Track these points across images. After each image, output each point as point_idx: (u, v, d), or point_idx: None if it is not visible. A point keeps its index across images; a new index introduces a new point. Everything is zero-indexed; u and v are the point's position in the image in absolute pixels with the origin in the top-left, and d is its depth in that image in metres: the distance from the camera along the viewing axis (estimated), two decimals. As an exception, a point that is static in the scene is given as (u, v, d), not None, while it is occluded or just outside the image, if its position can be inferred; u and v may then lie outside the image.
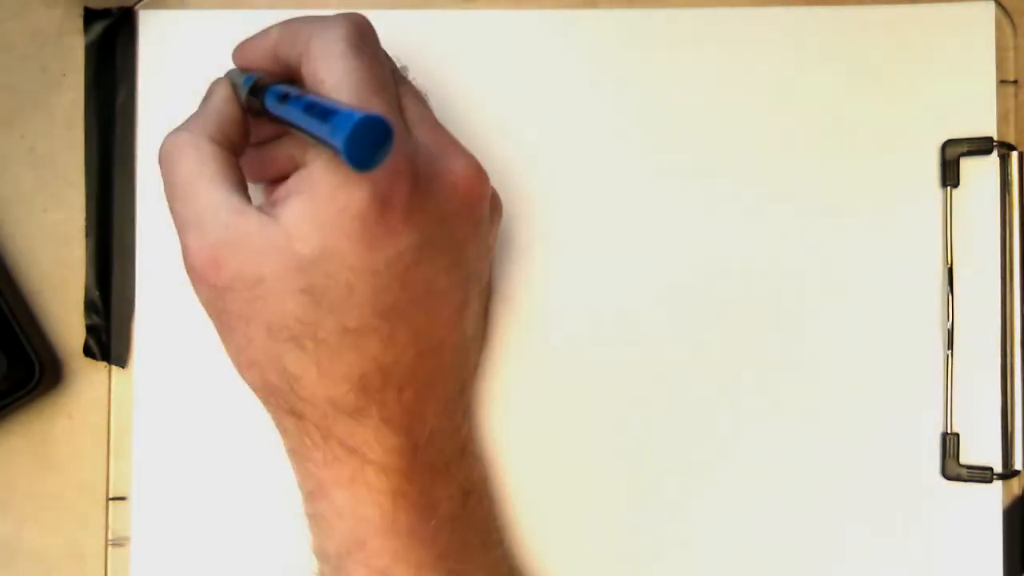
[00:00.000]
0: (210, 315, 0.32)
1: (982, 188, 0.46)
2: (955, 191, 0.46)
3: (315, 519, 0.33)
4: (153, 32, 0.46)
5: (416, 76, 0.43)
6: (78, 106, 0.47)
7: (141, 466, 0.45)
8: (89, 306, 0.46)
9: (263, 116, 0.32)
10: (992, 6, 0.46)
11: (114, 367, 0.46)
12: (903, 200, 0.46)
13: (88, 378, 0.46)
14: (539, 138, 0.46)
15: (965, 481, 0.45)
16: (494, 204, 0.34)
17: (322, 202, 0.28)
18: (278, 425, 0.33)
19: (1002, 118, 0.46)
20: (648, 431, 0.45)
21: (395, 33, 0.47)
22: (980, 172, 0.46)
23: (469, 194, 0.31)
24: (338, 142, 0.25)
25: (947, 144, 0.46)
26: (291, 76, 0.32)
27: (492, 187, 0.34)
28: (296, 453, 0.33)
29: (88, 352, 0.46)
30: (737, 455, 0.46)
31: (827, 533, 0.45)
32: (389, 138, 0.25)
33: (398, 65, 0.37)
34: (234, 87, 0.35)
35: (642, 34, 0.47)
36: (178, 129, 0.32)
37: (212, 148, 0.31)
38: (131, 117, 0.46)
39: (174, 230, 0.31)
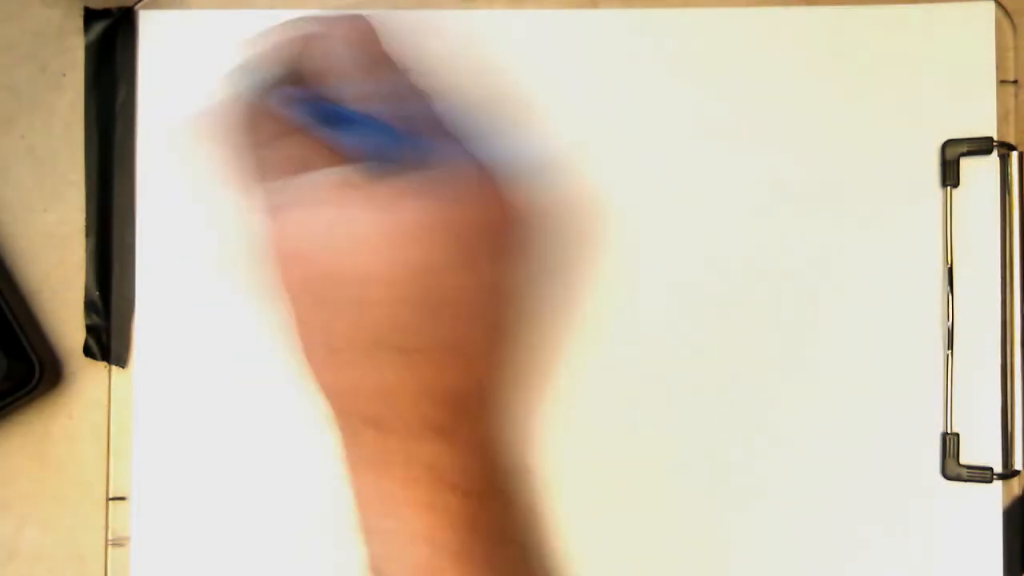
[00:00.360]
0: (289, 311, 0.30)
1: (982, 188, 0.46)
2: (955, 191, 0.46)
3: (379, 536, 0.32)
4: (153, 32, 0.46)
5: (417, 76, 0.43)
6: (78, 106, 0.47)
7: (141, 466, 0.45)
8: (89, 306, 0.46)
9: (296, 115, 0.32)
10: (992, 6, 0.46)
11: (114, 367, 0.46)
12: (903, 200, 0.46)
13: (88, 378, 0.46)
14: (537, 138, 0.46)
15: (965, 481, 0.45)
16: (520, 218, 0.33)
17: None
18: (350, 436, 0.32)
19: (1002, 118, 0.46)
20: (652, 431, 0.45)
21: (395, 33, 0.47)
22: (980, 172, 0.46)
23: (493, 209, 0.31)
24: (369, 149, 0.26)
25: (947, 144, 0.46)
26: (306, 78, 0.32)
27: (512, 200, 0.33)
28: (369, 467, 0.32)
29: (88, 352, 0.46)
30: (737, 455, 0.46)
31: (827, 533, 0.45)
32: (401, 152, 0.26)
33: (408, 66, 0.37)
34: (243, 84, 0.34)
35: (642, 34, 0.47)
36: (227, 101, 0.31)
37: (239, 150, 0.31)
38: (131, 117, 0.46)
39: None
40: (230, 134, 0.32)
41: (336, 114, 0.29)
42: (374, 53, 0.31)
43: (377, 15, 0.34)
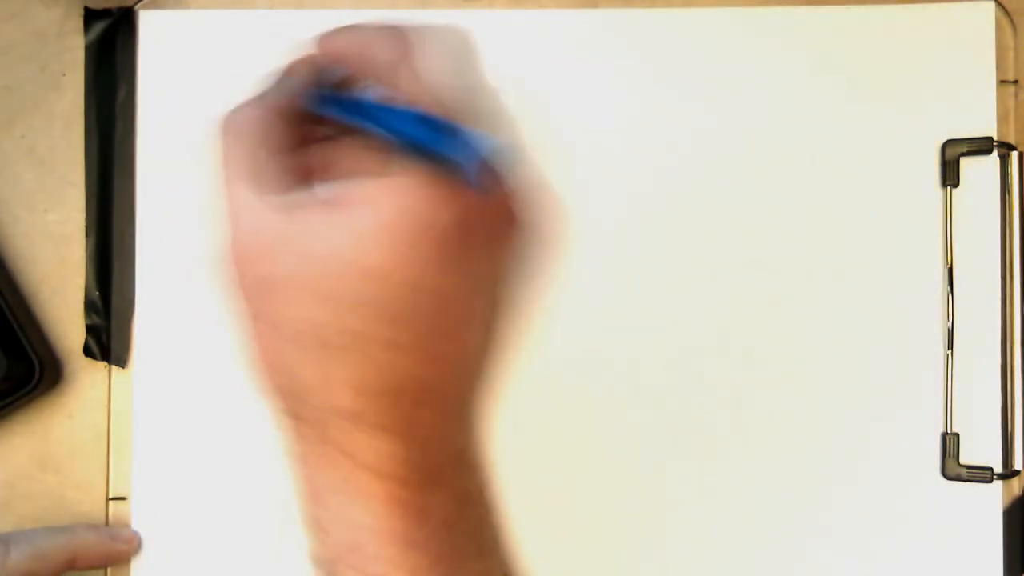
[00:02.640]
0: (238, 309, 0.32)
1: (982, 188, 0.46)
2: (955, 191, 0.46)
3: (310, 524, 0.33)
4: (153, 32, 0.46)
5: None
6: (78, 106, 0.47)
7: (141, 466, 0.45)
8: (89, 306, 0.46)
9: (328, 115, 0.32)
10: (992, 6, 0.46)
11: (114, 367, 0.46)
12: (903, 200, 0.46)
13: (88, 378, 0.46)
14: (538, 138, 0.46)
15: (965, 481, 0.45)
16: (510, 214, 0.34)
17: (397, 214, 0.28)
18: (278, 426, 0.33)
19: (1002, 118, 0.46)
20: (647, 432, 0.45)
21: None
22: (980, 172, 0.46)
23: (501, 219, 0.31)
24: (469, 161, 0.26)
25: (947, 144, 0.46)
26: (364, 77, 0.32)
27: (507, 197, 0.34)
28: (293, 456, 0.33)
29: (88, 352, 0.46)
30: (736, 455, 0.46)
31: (827, 532, 0.45)
32: (505, 163, 0.27)
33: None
34: (303, 94, 0.34)
35: (642, 34, 0.47)
36: (234, 114, 0.32)
37: (252, 150, 0.31)
38: (131, 117, 0.46)
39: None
40: (259, 137, 0.32)
41: (369, 108, 0.29)
42: (410, 65, 0.31)
43: (350, 17, 0.34)
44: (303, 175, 0.33)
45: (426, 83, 0.30)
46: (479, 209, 0.29)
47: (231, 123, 0.32)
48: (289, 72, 0.34)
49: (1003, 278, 0.46)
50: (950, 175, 0.46)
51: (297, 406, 0.31)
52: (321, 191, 0.30)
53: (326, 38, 0.33)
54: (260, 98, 0.33)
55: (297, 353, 0.30)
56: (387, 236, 0.28)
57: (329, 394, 0.30)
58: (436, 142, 0.28)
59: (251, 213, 0.30)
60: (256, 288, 0.30)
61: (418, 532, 0.31)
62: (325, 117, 0.33)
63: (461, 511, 0.33)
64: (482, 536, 0.34)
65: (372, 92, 0.31)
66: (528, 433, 0.44)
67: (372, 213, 0.29)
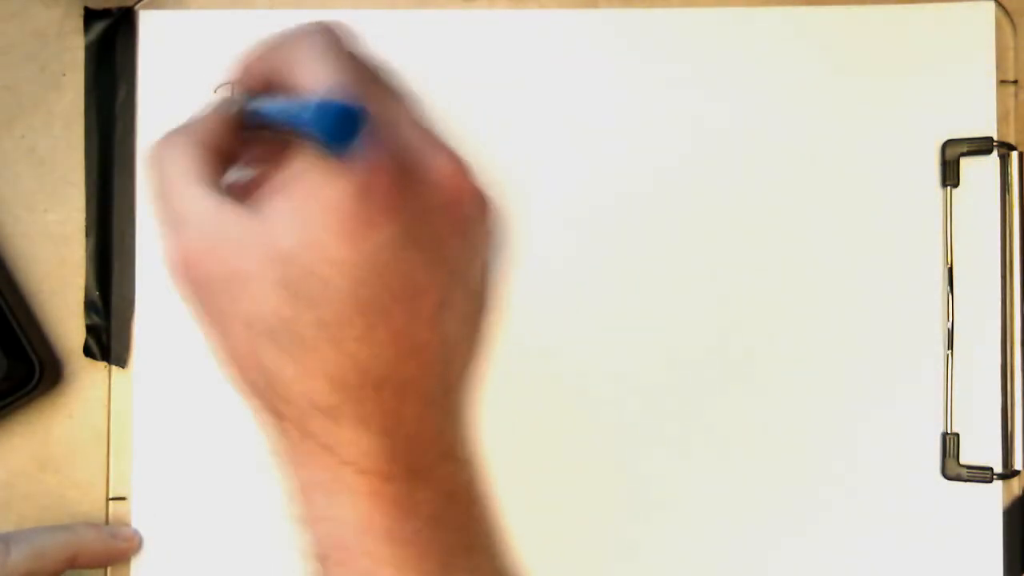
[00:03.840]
0: (193, 313, 0.32)
1: (982, 188, 0.46)
2: (955, 191, 0.46)
3: (299, 522, 0.33)
4: (153, 32, 0.46)
5: (416, 76, 0.43)
6: (78, 106, 0.47)
7: (141, 466, 0.45)
8: (89, 306, 0.46)
9: (253, 128, 0.33)
10: (992, 6, 0.46)
11: (114, 367, 0.46)
12: (903, 200, 0.46)
13: (88, 378, 0.46)
14: (538, 138, 0.46)
15: (965, 481, 0.45)
16: (484, 203, 0.34)
17: (301, 196, 0.29)
18: (260, 424, 0.33)
19: (1002, 118, 0.46)
20: (641, 428, 0.45)
21: (395, 33, 0.47)
22: (980, 172, 0.46)
23: (451, 190, 0.32)
24: (308, 125, 0.27)
25: (947, 144, 0.46)
26: (277, 88, 0.33)
27: (483, 188, 0.34)
28: (277, 453, 0.33)
29: (88, 352, 0.46)
30: (735, 453, 0.46)
31: (827, 532, 0.45)
32: (362, 122, 0.27)
33: (378, 66, 0.38)
34: (226, 101, 0.35)
35: (642, 34, 0.47)
36: (165, 134, 0.33)
37: (194, 151, 0.32)
38: (131, 117, 0.46)
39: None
40: (201, 145, 0.33)
41: (285, 107, 0.30)
42: (343, 56, 0.32)
43: (350, 17, 0.35)
44: (251, 183, 0.34)
45: (315, 77, 0.31)
46: (372, 179, 0.29)
47: (178, 129, 0.33)
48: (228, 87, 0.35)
49: (1003, 278, 0.46)
50: (950, 175, 0.46)
51: (277, 403, 0.31)
52: (271, 184, 0.31)
53: (242, 61, 0.34)
54: (193, 118, 0.34)
55: (273, 350, 0.30)
56: (288, 217, 0.29)
57: (308, 389, 0.30)
58: (291, 116, 0.29)
59: (204, 213, 0.30)
60: (220, 288, 0.30)
61: (404, 527, 0.31)
62: (250, 126, 0.34)
63: (449, 506, 0.33)
64: (472, 531, 0.34)
65: (272, 96, 0.32)
66: (520, 427, 0.44)
67: (276, 201, 0.29)
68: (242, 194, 0.32)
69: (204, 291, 0.31)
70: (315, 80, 0.30)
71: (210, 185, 0.31)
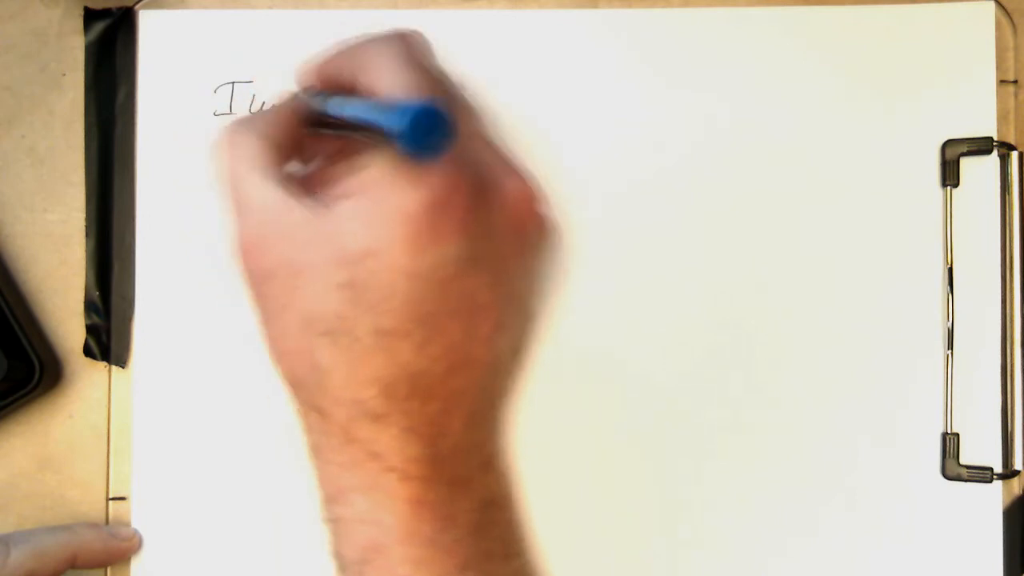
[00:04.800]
0: (251, 302, 0.32)
1: (982, 188, 0.46)
2: (955, 191, 0.46)
3: (334, 523, 0.33)
4: (153, 32, 0.46)
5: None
6: (78, 106, 0.47)
7: (141, 466, 0.45)
8: (89, 306, 0.46)
9: (327, 127, 0.33)
10: (992, 6, 0.46)
11: (114, 367, 0.46)
12: (903, 200, 0.46)
13: (88, 378, 0.46)
14: (538, 138, 0.46)
15: (965, 481, 0.45)
16: (548, 230, 0.34)
17: (376, 201, 0.29)
18: (303, 421, 0.33)
19: (1002, 118, 0.46)
20: (642, 429, 0.45)
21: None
22: (980, 172, 0.46)
23: (521, 214, 0.32)
24: (399, 127, 0.26)
25: (947, 144, 0.46)
26: (348, 92, 0.33)
27: (550, 215, 0.34)
28: (318, 453, 0.33)
29: (88, 352, 0.46)
30: (735, 454, 0.46)
31: (827, 532, 0.45)
32: (447, 128, 0.27)
33: (455, 79, 0.38)
34: (298, 100, 0.35)
35: (642, 34, 0.47)
36: (235, 122, 0.33)
37: (262, 142, 0.32)
38: (131, 117, 0.46)
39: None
40: (272, 135, 0.33)
41: (370, 107, 0.30)
42: (422, 65, 0.31)
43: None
44: (311, 178, 0.34)
45: (396, 80, 0.31)
46: (449, 193, 0.29)
47: (245, 120, 0.33)
48: (299, 86, 0.35)
49: (1003, 278, 0.46)
50: (950, 175, 0.46)
51: (324, 403, 0.31)
52: (342, 184, 0.30)
53: (312, 62, 0.34)
54: (267, 109, 0.34)
55: (328, 349, 0.30)
56: (359, 220, 0.29)
57: (358, 393, 0.30)
58: (375, 117, 0.28)
59: (269, 205, 0.30)
60: (280, 281, 0.30)
61: (445, 535, 0.31)
62: (317, 124, 0.34)
63: (488, 515, 0.33)
64: (510, 539, 0.34)
65: (348, 97, 0.32)
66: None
67: (349, 203, 0.29)
68: (298, 190, 0.31)
69: (264, 282, 0.31)
70: (393, 87, 0.30)
71: (276, 178, 0.31)
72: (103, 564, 0.45)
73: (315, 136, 0.34)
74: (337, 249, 0.29)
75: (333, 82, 0.34)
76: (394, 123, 0.27)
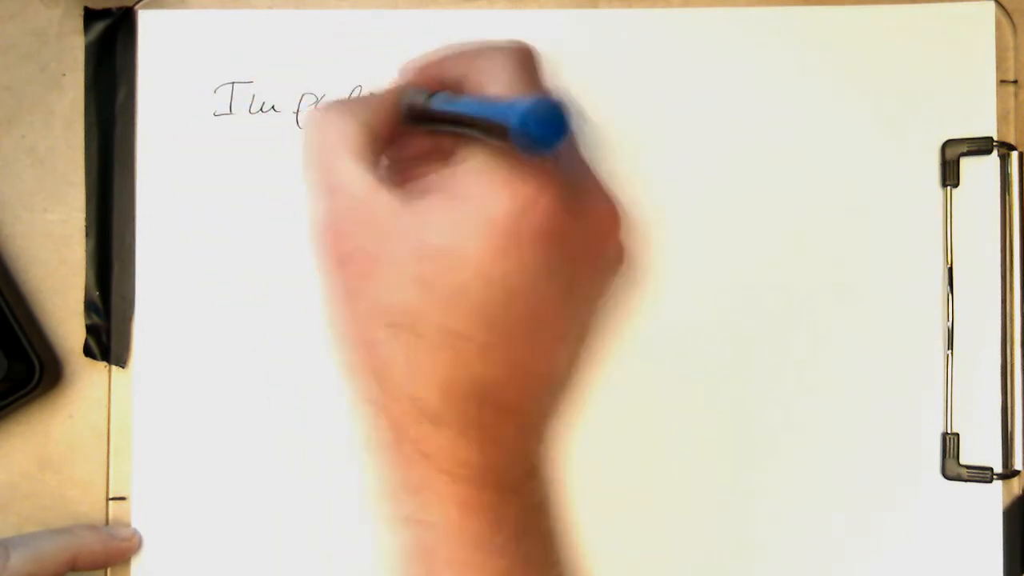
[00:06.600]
0: (325, 284, 0.32)
1: (982, 188, 0.46)
2: (955, 191, 0.46)
3: (387, 521, 0.33)
4: (153, 32, 0.46)
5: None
6: (78, 106, 0.47)
7: (141, 466, 0.45)
8: (89, 306, 0.46)
9: (426, 123, 0.33)
10: (992, 6, 0.46)
11: (114, 367, 0.46)
12: (903, 200, 0.46)
13: (88, 378, 0.46)
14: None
15: (965, 481, 0.45)
16: (624, 256, 0.34)
17: (463, 199, 0.29)
18: (362, 418, 0.33)
19: (1002, 118, 0.46)
20: (649, 429, 0.46)
21: (395, 33, 0.47)
22: (980, 172, 0.46)
23: (603, 236, 0.32)
24: (517, 115, 0.26)
25: (947, 144, 0.46)
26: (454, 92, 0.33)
27: (628, 241, 0.34)
28: (376, 448, 0.33)
29: (88, 352, 0.46)
30: (736, 455, 0.46)
31: (827, 532, 0.45)
32: (563, 123, 0.27)
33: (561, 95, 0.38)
34: (396, 90, 0.35)
35: (642, 34, 0.47)
36: (332, 103, 0.33)
37: (358, 128, 0.32)
38: (131, 117, 0.46)
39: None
40: (370, 120, 0.32)
41: (485, 102, 0.30)
42: (536, 77, 0.32)
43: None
44: (404, 166, 0.33)
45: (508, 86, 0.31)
46: (536, 201, 0.28)
47: (344, 103, 0.33)
48: (402, 79, 0.35)
49: (1003, 278, 0.46)
50: (950, 175, 0.46)
51: (380, 396, 0.31)
52: (430, 180, 0.30)
53: (419, 61, 0.34)
54: (366, 96, 0.34)
55: (391, 341, 0.30)
56: (442, 216, 0.28)
57: (415, 390, 0.30)
58: (488, 111, 0.28)
59: (359, 190, 0.30)
60: (356, 266, 0.30)
61: (493, 539, 0.31)
62: (421, 122, 0.34)
63: (533, 521, 0.33)
64: (552, 546, 0.34)
65: (455, 95, 0.32)
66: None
67: (435, 198, 0.29)
68: (389, 180, 0.31)
69: (340, 265, 0.31)
70: (504, 89, 0.30)
71: (369, 164, 0.31)
72: (103, 565, 0.45)
73: (410, 132, 0.34)
74: (417, 242, 0.29)
75: (438, 81, 0.34)
76: (510, 114, 0.27)
